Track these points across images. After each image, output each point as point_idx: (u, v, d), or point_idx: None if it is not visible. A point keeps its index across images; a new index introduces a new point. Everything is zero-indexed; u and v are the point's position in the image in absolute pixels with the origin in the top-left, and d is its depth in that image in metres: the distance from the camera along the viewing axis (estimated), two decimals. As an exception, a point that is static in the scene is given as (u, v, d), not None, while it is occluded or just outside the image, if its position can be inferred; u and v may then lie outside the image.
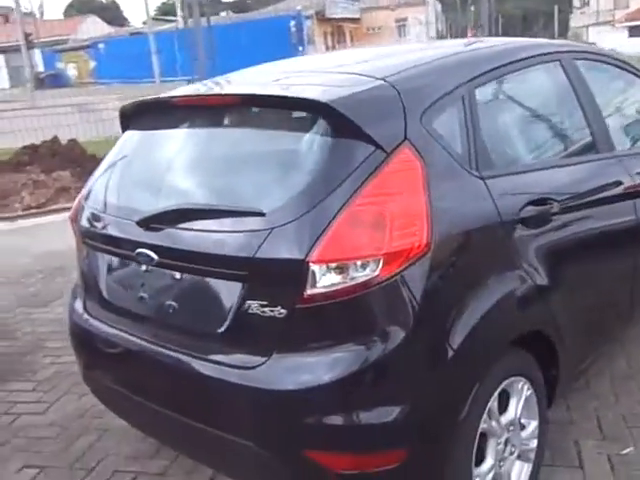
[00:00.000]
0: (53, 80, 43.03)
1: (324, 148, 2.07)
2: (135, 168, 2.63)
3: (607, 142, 2.96)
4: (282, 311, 1.97)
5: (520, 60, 2.66)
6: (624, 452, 2.86)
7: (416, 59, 2.52)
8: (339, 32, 52.11)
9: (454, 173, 2.18)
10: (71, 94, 24.52)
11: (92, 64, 44.90)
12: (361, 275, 1.92)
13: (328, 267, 1.93)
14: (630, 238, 2.97)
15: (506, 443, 2.38)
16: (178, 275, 2.23)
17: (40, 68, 46.39)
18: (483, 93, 2.44)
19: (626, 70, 3.39)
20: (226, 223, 2.11)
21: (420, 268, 1.98)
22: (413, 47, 3.29)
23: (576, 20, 60.75)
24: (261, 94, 2.33)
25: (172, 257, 2.21)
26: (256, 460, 2.12)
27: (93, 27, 50.96)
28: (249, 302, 2.03)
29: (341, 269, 1.93)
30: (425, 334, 2.02)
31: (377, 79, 2.23)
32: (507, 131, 2.61)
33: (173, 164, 2.49)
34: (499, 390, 2.28)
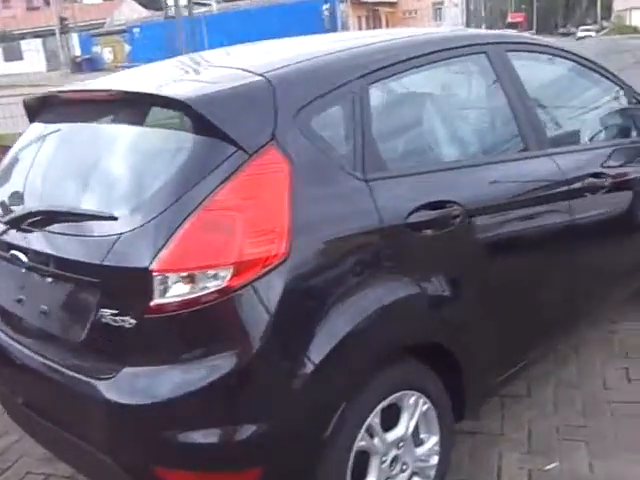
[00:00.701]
0: (89, 64, 43.43)
1: (184, 149, 1.96)
2: (21, 165, 2.55)
3: (538, 140, 2.74)
4: (132, 321, 1.88)
5: (430, 53, 2.46)
6: (548, 468, 2.70)
7: (314, 52, 2.37)
8: (374, 16, 51.18)
9: (330, 176, 2.04)
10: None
11: (127, 48, 45.14)
12: (211, 285, 1.81)
13: (175, 276, 1.82)
14: (558, 243, 2.75)
15: (394, 461, 2.25)
16: (49, 279, 2.15)
17: (77, 52, 46.84)
18: (380, 90, 2.29)
19: (577, 62, 3.17)
20: (83, 227, 2.02)
21: (277, 278, 1.86)
22: (332, 38, 3.13)
23: (619, 3, 59.36)
24: (130, 91, 2.23)
25: (38, 260, 2.13)
26: (115, 475, 2.04)
27: (129, 10, 51.25)
28: (103, 310, 1.94)
29: (190, 278, 1.82)
30: (282, 348, 1.90)
31: (256, 74, 2.10)
32: (406, 131, 2.45)
33: (49, 162, 2.40)
34: (382, 405, 2.15)
